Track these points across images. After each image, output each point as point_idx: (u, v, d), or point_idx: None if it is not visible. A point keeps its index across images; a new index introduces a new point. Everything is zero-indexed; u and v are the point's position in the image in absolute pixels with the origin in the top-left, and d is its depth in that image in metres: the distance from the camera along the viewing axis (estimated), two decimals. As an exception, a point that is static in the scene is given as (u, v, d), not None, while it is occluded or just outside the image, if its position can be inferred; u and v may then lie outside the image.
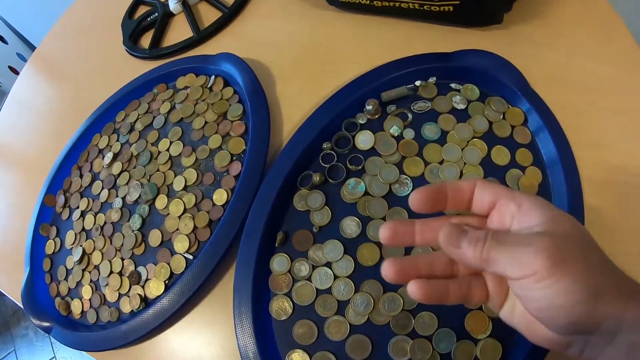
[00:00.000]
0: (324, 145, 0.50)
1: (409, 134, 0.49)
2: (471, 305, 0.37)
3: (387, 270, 0.28)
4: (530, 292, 0.23)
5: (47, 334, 0.53)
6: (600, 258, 0.24)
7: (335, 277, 0.44)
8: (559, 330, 0.24)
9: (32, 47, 1.92)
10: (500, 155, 0.46)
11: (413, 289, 0.27)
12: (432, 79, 0.52)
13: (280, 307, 0.44)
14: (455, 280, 0.29)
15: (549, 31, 0.55)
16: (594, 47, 0.52)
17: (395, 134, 0.49)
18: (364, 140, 0.50)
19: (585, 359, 0.25)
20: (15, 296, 0.60)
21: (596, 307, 0.22)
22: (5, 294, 0.62)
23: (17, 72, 1.93)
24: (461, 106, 0.50)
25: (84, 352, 0.51)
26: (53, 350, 1.53)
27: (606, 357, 0.24)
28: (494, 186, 0.27)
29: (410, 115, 0.50)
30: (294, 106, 0.57)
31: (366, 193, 0.47)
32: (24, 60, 1.92)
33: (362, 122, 0.51)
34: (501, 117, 0.49)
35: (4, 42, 1.83)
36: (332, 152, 0.50)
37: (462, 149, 0.47)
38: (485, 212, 0.28)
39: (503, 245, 0.24)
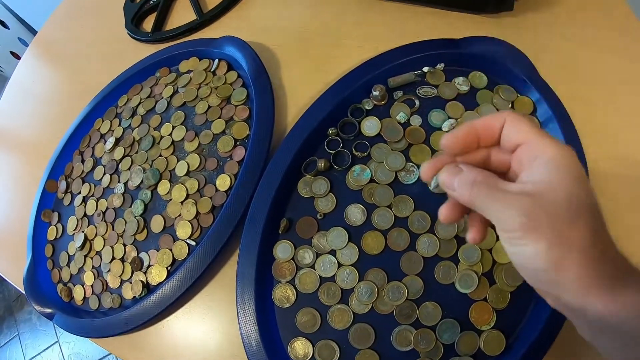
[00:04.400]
0: (330, 131, 0.49)
1: (416, 120, 0.48)
2: None
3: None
4: (506, 245, 0.24)
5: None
6: (584, 235, 0.22)
7: (340, 265, 0.43)
8: (529, 283, 0.25)
9: (34, 32, 1.90)
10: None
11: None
12: (440, 66, 0.51)
13: (283, 295, 0.44)
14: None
15: (561, 20, 0.53)
16: (606, 38, 0.51)
17: (402, 121, 0.48)
18: (370, 126, 0.49)
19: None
20: (17, 282, 0.60)
21: (558, 279, 0.23)
22: (7, 280, 0.62)
23: (19, 57, 1.91)
24: (464, 88, 0.49)
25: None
26: (56, 334, 1.55)
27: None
28: (523, 125, 0.25)
29: (417, 102, 0.49)
30: (299, 91, 0.56)
31: (372, 180, 0.46)
32: (26, 45, 1.90)
33: (368, 108, 0.50)
34: (510, 105, 0.47)
35: (5, 27, 1.81)
36: (338, 138, 0.49)
37: (470, 137, 0.46)
38: (512, 150, 0.26)
39: (491, 193, 0.24)
